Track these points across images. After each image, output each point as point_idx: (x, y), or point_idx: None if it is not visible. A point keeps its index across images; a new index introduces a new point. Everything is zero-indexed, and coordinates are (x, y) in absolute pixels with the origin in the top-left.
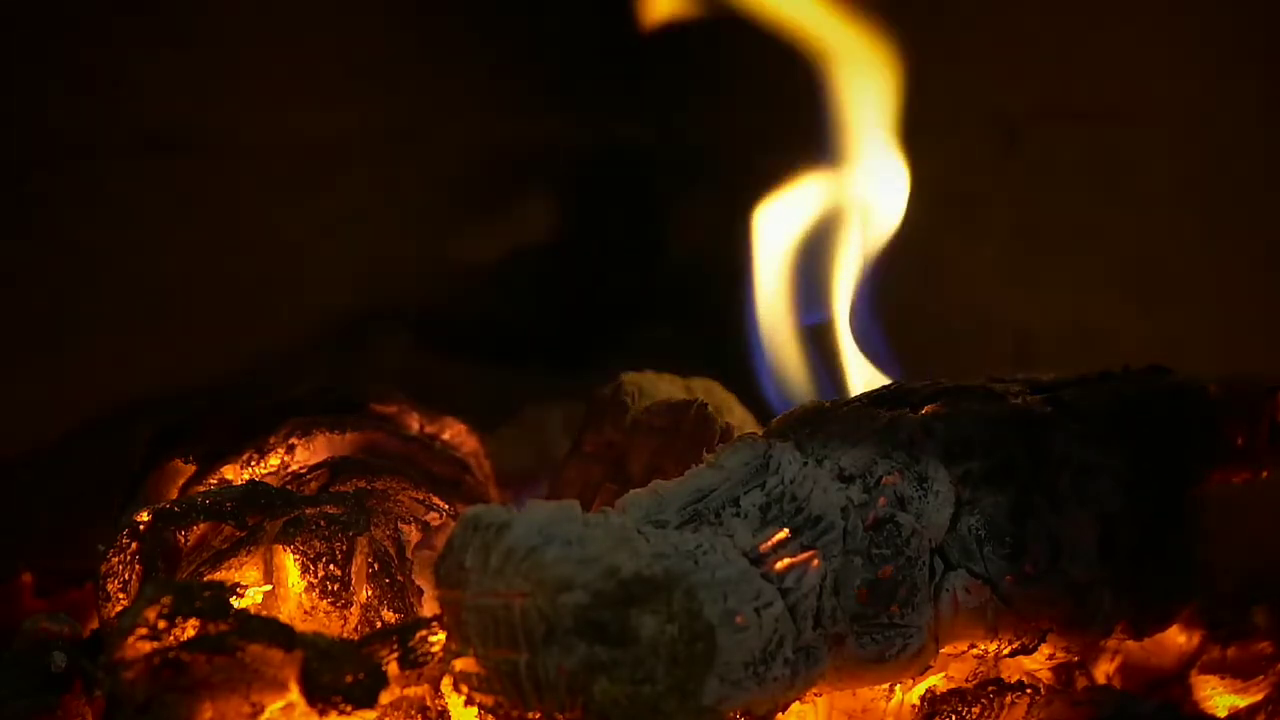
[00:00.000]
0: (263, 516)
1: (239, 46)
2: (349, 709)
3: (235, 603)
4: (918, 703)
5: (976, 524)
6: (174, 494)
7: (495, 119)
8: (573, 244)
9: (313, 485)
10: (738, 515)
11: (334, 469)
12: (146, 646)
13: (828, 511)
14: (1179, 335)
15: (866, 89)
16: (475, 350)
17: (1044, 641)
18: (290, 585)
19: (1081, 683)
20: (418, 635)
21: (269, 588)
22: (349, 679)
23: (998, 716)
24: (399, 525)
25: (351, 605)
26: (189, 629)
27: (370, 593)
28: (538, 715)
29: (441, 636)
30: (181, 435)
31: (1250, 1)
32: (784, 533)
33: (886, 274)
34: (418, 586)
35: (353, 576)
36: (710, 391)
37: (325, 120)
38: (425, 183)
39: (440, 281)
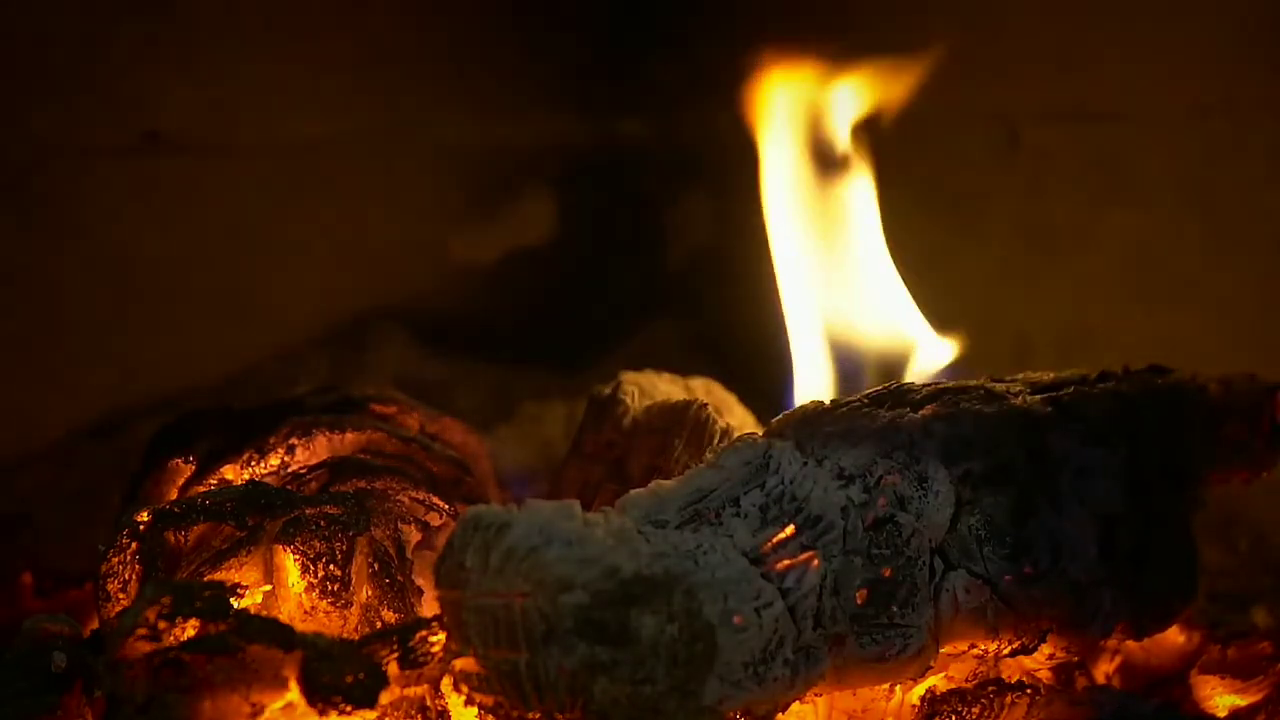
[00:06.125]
0: (263, 516)
1: (239, 47)
2: (349, 709)
3: (235, 603)
4: (918, 703)
5: (976, 524)
6: (174, 494)
7: (495, 119)
8: (573, 244)
9: (313, 485)
10: (738, 515)
11: (334, 469)
12: (146, 646)
13: (828, 511)
14: (1179, 335)
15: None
16: (475, 350)
17: (1044, 641)
18: (290, 585)
19: (1081, 683)
20: (418, 635)
21: (269, 588)
22: (349, 679)
23: (998, 716)
24: (399, 525)
25: (351, 605)
26: (189, 629)
27: (370, 593)
28: (538, 715)
29: (441, 636)
30: (181, 435)
31: (1250, 1)
32: (784, 533)
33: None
34: (418, 586)
35: (353, 576)
36: (710, 391)
37: (325, 120)
38: (425, 183)
39: (440, 281)
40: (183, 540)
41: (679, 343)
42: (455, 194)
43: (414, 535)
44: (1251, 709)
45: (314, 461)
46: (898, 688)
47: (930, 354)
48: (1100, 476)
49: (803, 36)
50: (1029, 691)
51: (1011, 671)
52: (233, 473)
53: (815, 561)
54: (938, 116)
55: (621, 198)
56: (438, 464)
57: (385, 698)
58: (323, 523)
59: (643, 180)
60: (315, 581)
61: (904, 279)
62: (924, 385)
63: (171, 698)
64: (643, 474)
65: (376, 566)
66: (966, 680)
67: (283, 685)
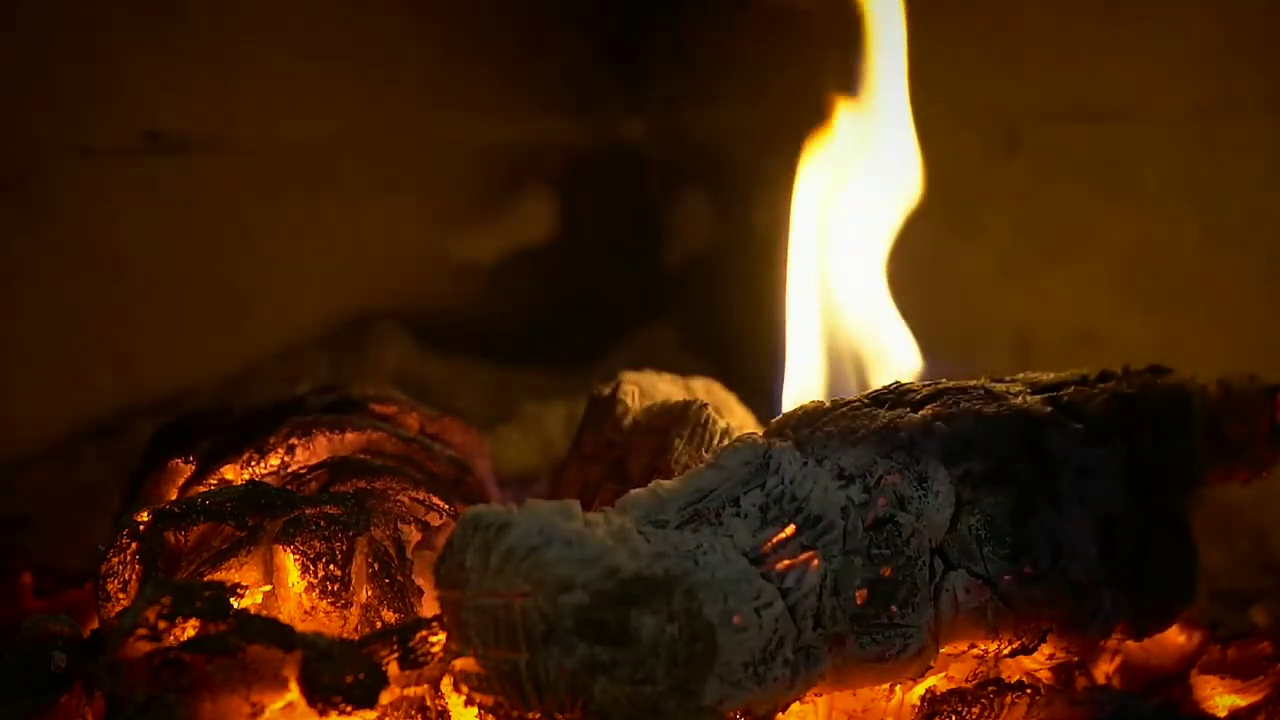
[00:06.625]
0: (263, 516)
1: (239, 47)
2: (349, 709)
3: (235, 603)
4: (918, 703)
5: (976, 524)
6: (174, 494)
7: (495, 119)
8: (573, 244)
9: (313, 485)
10: (738, 515)
11: (334, 469)
12: (146, 646)
13: (828, 511)
14: (1179, 336)
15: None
16: (475, 350)
17: (1044, 641)
18: (290, 585)
19: (1081, 683)
20: (418, 635)
21: (269, 588)
22: (349, 679)
23: (998, 716)
24: (399, 525)
25: (351, 605)
26: (189, 629)
27: (370, 593)
28: (538, 715)
29: (441, 636)
30: (181, 435)
31: (1250, 1)
32: (784, 533)
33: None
34: (418, 586)
35: (353, 576)
36: (710, 391)
37: (325, 120)
38: (424, 182)
39: (440, 281)
40: (183, 540)
41: (678, 343)
42: (455, 194)
43: (414, 535)
44: (1251, 709)
45: (314, 461)
46: (898, 688)
47: (901, 360)
48: (1100, 476)
49: (803, 38)
50: (1029, 691)
51: (1011, 671)
52: (233, 473)
53: (815, 561)
54: (938, 116)
55: (621, 198)
56: (438, 464)
57: (385, 698)
58: (323, 523)
59: (643, 180)
60: (315, 581)
61: (902, 279)
62: (924, 385)
63: (171, 698)
64: (643, 474)
65: (376, 566)
66: (966, 680)
67: (283, 685)
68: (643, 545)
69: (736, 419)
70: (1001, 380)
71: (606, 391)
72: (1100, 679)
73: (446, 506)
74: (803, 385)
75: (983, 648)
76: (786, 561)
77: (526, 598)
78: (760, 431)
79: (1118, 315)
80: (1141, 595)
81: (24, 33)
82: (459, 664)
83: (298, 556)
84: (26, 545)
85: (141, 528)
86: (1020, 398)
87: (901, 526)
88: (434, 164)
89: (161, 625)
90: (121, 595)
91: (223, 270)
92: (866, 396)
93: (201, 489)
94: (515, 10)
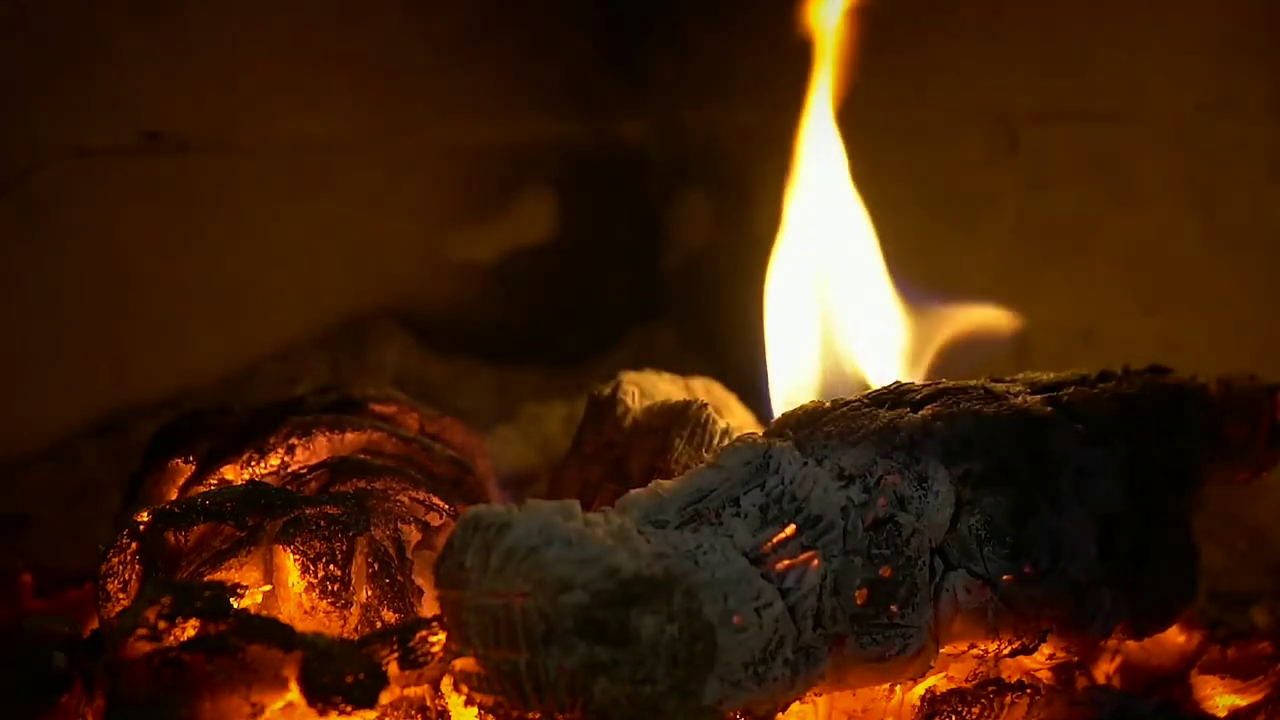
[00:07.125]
0: (263, 516)
1: (238, 47)
2: (349, 709)
3: (235, 603)
4: (918, 703)
5: (977, 524)
6: (174, 494)
7: (495, 119)
8: (572, 244)
9: (313, 485)
10: (738, 515)
11: (334, 469)
12: (146, 646)
13: (828, 511)
14: (1179, 336)
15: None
16: (475, 350)
17: (1044, 641)
18: (290, 585)
19: (1081, 683)
20: (418, 635)
21: (269, 588)
22: (349, 679)
23: (998, 716)
24: (399, 525)
25: (351, 605)
26: (189, 629)
27: (370, 593)
28: (538, 715)
29: (441, 636)
30: (181, 435)
31: (1250, 1)
32: (784, 533)
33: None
34: (418, 586)
35: (353, 576)
36: (710, 391)
37: (325, 120)
38: (424, 183)
39: (440, 281)
40: (183, 540)
41: (678, 343)
42: (455, 194)
43: (414, 535)
44: (1251, 709)
45: (314, 461)
46: (898, 688)
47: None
48: (1100, 476)
49: (802, 38)
50: (1029, 691)
51: (1011, 671)
52: (233, 473)
53: (815, 561)
54: (938, 116)
55: (621, 198)
56: (438, 464)
57: (385, 698)
58: (323, 523)
59: (643, 180)
60: (315, 581)
61: (903, 279)
62: (924, 385)
63: (171, 698)
64: (643, 474)
65: (376, 566)
66: (966, 680)
67: (283, 685)
68: (643, 545)
69: (736, 419)
70: (1001, 380)
71: (606, 391)
72: (1100, 679)
73: (446, 506)
74: (792, 382)
75: (983, 648)
76: (786, 561)
77: (526, 598)
78: (760, 431)
79: (1118, 315)
80: (1141, 595)
81: (24, 33)
82: (459, 664)
83: (298, 556)
84: (26, 545)
85: (141, 528)
86: (1020, 398)
87: (901, 526)
88: (434, 164)
89: (161, 625)
90: (121, 595)
91: (223, 270)
92: (866, 396)
93: (201, 489)
94: (515, 10)
